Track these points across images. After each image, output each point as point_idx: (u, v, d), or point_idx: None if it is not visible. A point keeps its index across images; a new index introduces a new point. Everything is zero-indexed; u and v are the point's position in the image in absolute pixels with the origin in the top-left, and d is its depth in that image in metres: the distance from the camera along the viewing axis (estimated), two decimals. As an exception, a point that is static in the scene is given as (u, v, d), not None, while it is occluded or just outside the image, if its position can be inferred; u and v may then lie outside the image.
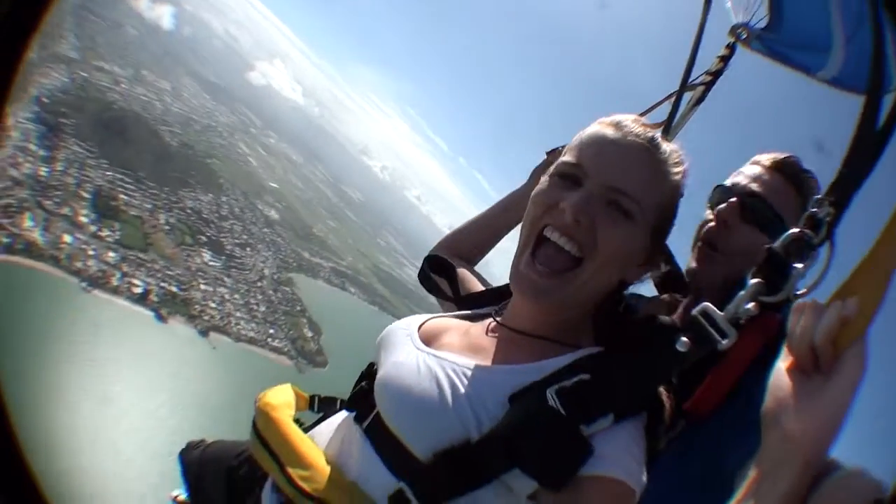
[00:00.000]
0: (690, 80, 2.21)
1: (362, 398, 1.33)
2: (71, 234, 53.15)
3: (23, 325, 41.53)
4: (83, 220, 56.32)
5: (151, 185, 70.48)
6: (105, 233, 57.46)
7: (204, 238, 71.65)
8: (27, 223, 49.59)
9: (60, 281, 48.98)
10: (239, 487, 1.55)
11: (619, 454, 1.06)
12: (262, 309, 69.13)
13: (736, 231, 1.68)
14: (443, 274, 1.76)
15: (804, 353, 0.93)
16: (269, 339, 65.09)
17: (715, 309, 1.11)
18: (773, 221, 1.64)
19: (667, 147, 1.30)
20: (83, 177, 60.63)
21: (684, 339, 1.10)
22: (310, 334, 71.03)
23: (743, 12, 2.45)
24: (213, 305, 62.49)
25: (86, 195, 59.08)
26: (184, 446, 1.83)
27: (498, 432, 1.07)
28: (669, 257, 1.59)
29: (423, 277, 1.80)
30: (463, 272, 1.79)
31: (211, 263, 68.62)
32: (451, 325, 1.45)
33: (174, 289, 59.30)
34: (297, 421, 1.41)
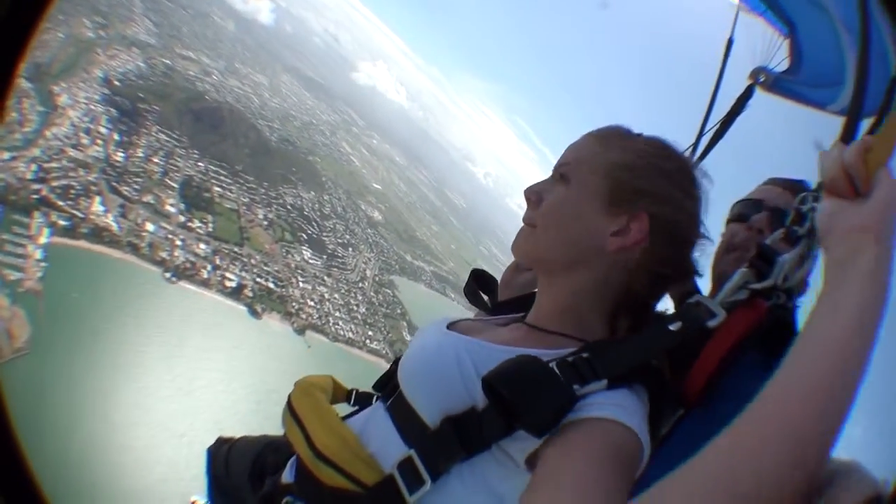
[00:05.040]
0: (710, 120, 2.58)
1: (389, 380, 1.47)
2: (155, 223, 53.00)
3: (97, 311, 41.22)
4: (170, 209, 56.25)
5: (249, 180, 70.63)
6: (196, 224, 57.36)
7: (305, 236, 71.25)
8: (96, 207, 49.33)
9: (139, 269, 48.66)
10: (263, 471, 1.69)
11: (612, 402, 1.09)
12: (363, 310, 67.73)
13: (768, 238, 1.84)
14: (485, 288, 1.83)
15: (839, 176, 1.01)
16: (367, 341, 63.52)
17: (707, 297, 1.28)
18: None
19: (626, 129, 1.45)
20: (170, 166, 60.75)
21: (678, 321, 1.23)
22: (409, 338, 68.04)
23: (762, 55, 2.67)
24: (311, 304, 61.48)
25: (173, 185, 59.15)
26: (213, 441, 2.02)
27: (490, 374, 1.10)
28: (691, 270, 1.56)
29: (468, 290, 1.84)
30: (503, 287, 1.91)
31: (311, 261, 67.80)
32: (481, 326, 1.54)
33: (271, 285, 58.53)
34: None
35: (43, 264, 40.62)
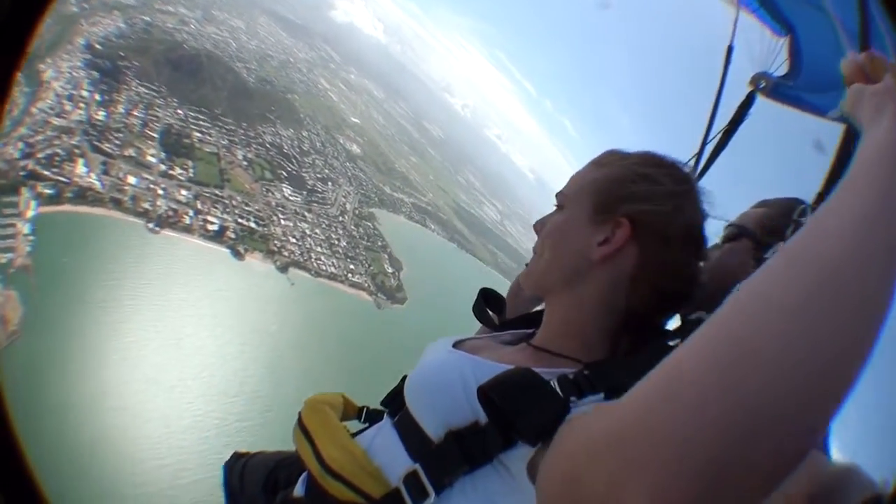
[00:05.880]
0: (713, 129, 2.52)
1: (396, 396, 1.46)
2: (136, 176, 52.60)
3: (85, 273, 41.30)
4: (151, 159, 55.61)
5: (228, 122, 69.67)
6: (177, 171, 56.94)
7: (284, 173, 71.08)
8: (80, 169, 48.50)
9: (124, 223, 48.18)
10: (277, 486, 1.72)
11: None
12: (343, 244, 68.49)
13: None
14: (494, 307, 1.84)
15: (854, 68, 1.08)
16: (350, 275, 64.33)
17: (707, 314, 1.21)
18: None
19: (619, 151, 1.49)
20: (150, 117, 59.80)
21: (678, 338, 1.26)
22: (390, 270, 70.32)
23: (761, 60, 2.64)
24: (293, 241, 62.10)
25: (153, 135, 58.29)
26: (230, 456, 2.03)
27: (485, 384, 1.09)
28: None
29: (476, 308, 1.84)
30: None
31: (291, 198, 68.07)
32: (487, 344, 1.57)
33: (252, 224, 58.90)
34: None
35: (31, 238, 39.99)
